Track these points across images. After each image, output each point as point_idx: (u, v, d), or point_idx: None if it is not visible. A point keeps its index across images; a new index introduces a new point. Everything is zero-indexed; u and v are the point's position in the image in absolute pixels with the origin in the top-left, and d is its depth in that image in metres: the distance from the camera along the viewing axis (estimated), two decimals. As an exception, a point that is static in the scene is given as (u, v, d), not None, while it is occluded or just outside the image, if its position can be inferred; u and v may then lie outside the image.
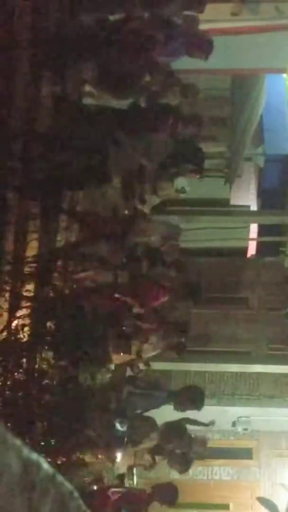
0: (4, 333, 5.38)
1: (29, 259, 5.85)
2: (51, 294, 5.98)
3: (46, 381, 5.53)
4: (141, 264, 6.56)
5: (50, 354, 5.73)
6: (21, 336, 5.44)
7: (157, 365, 8.66)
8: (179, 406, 6.83)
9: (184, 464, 7.09)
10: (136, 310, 6.40)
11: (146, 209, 6.77)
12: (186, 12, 6.62)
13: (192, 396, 6.89)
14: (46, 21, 6.02)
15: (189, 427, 7.14)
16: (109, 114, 6.17)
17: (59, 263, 6.28)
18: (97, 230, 6.44)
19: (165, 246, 7.03)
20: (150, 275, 6.65)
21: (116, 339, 6.25)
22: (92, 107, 6.35)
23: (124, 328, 6.33)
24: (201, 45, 6.61)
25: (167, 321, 6.83)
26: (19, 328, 5.50)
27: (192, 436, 7.02)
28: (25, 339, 5.46)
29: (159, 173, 6.48)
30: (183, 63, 7.11)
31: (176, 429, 6.88)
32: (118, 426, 6.12)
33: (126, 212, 6.57)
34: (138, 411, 6.68)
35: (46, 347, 5.65)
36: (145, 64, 6.20)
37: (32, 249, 5.96)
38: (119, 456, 6.66)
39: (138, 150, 6.14)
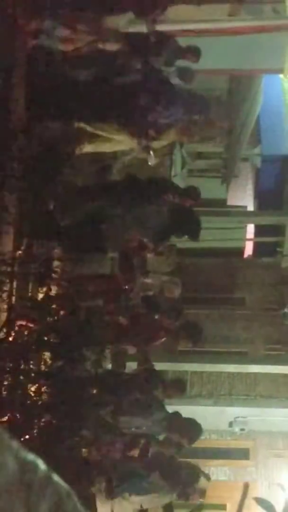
0: (1, 334, 5.38)
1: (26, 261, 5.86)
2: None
3: (44, 381, 5.53)
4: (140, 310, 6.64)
5: (48, 355, 5.73)
6: (19, 336, 5.44)
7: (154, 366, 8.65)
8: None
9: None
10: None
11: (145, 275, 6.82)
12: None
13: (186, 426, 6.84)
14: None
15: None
16: (105, 187, 6.20)
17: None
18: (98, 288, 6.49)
19: (163, 294, 7.02)
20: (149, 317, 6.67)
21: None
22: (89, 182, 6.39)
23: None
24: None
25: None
26: (17, 328, 5.50)
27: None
28: (22, 340, 5.46)
29: (155, 243, 6.52)
30: (181, 64, 7.11)
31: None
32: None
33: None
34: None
35: (45, 348, 5.65)
36: None
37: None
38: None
39: (133, 222, 6.18)
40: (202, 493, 6.93)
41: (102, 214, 6.16)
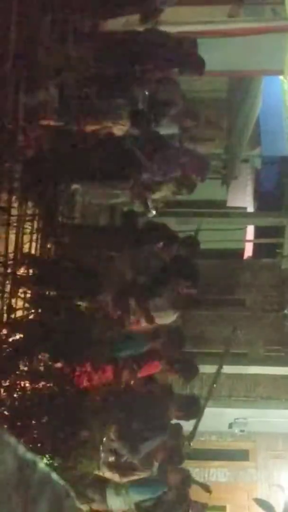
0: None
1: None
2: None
3: (43, 382, 5.53)
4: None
5: (46, 355, 5.73)
6: (17, 336, 5.45)
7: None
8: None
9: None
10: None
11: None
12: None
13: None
14: None
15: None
16: (102, 231, 6.19)
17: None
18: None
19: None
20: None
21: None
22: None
23: None
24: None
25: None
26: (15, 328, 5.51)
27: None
28: (21, 340, 5.47)
29: (152, 289, 6.52)
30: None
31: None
32: None
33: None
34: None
35: (43, 348, 5.65)
36: None
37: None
38: None
39: (130, 265, 6.19)
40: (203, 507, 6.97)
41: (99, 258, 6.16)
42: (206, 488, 7.23)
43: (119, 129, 6.31)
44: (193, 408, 6.82)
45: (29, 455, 1.09)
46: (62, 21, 6.15)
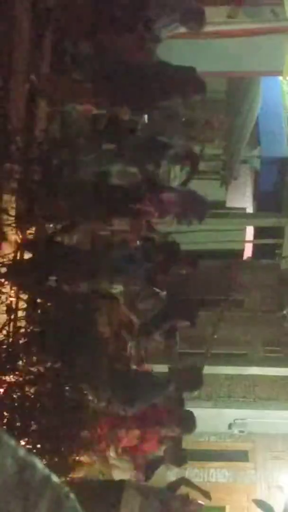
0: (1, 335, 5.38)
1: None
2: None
3: (42, 382, 5.53)
4: None
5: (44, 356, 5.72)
6: (18, 336, 5.45)
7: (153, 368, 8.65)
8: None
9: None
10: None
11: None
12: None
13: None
14: None
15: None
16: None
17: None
18: None
19: None
20: None
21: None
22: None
23: None
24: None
25: None
26: (15, 329, 5.51)
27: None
28: (21, 340, 5.46)
29: (149, 331, 6.54)
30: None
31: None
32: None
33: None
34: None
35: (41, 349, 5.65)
36: None
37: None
38: None
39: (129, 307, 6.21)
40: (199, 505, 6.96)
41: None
42: (206, 494, 7.22)
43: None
44: (189, 423, 6.84)
45: (29, 457, 1.09)
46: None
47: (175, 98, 6.34)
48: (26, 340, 5.39)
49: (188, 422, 6.78)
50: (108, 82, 6.15)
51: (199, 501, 6.47)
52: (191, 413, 6.84)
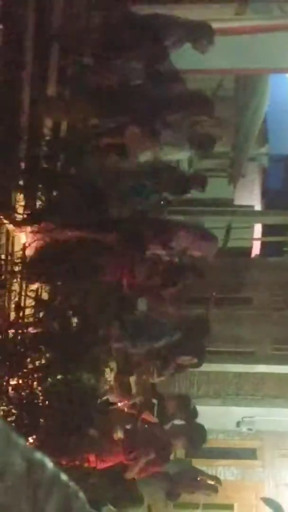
0: (9, 332, 5.39)
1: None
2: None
3: (50, 380, 5.54)
4: None
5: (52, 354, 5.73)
6: (25, 335, 5.45)
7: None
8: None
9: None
10: None
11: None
12: None
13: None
14: None
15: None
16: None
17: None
18: None
19: None
20: None
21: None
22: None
23: None
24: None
25: None
26: (23, 326, 5.51)
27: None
28: (28, 338, 5.47)
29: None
30: (188, 63, 7.10)
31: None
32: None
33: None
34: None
35: (49, 347, 5.65)
36: None
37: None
38: None
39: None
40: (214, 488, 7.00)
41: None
42: (216, 480, 7.27)
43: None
44: (199, 438, 6.86)
45: (38, 456, 1.08)
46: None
47: (181, 115, 6.35)
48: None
49: (198, 436, 6.81)
50: (115, 101, 6.17)
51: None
52: (202, 426, 6.88)
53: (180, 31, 6.38)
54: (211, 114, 6.46)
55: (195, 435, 6.84)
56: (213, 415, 8.36)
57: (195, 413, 7.07)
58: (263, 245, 13.17)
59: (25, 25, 5.55)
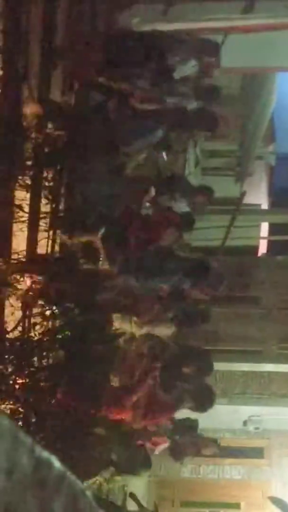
0: (16, 331, 5.41)
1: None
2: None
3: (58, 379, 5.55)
4: None
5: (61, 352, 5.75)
6: (33, 334, 5.46)
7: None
8: None
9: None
10: None
11: None
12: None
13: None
14: None
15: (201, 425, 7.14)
16: None
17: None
18: None
19: None
20: None
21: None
22: None
23: None
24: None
25: None
26: (31, 326, 5.52)
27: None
28: (37, 338, 5.48)
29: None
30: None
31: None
32: None
33: None
34: None
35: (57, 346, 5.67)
36: None
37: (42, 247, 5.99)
38: None
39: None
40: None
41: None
42: (214, 440, 7.30)
43: None
44: (206, 400, 6.82)
45: (45, 454, 1.08)
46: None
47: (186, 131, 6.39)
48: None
49: (205, 399, 6.79)
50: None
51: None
52: (211, 389, 6.88)
53: (186, 49, 6.42)
54: (215, 129, 6.55)
55: (203, 397, 6.82)
56: (220, 414, 8.32)
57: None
58: (270, 243, 13.15)
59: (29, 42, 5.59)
